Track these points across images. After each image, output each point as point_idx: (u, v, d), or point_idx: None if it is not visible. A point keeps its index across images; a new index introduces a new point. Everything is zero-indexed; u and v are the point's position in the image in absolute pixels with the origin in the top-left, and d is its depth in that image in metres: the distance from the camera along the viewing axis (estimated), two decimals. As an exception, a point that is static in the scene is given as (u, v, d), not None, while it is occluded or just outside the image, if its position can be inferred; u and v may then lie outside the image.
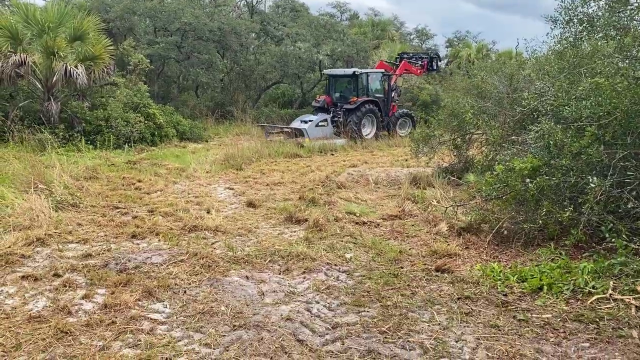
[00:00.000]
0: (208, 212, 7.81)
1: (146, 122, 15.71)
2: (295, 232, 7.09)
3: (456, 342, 4.13)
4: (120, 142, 14.72)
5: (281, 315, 4.48)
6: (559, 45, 8.02)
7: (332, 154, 15.80)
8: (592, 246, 5.78)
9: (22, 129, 13.57)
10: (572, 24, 7.85)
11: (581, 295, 4.94)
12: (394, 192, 9.69)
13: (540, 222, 5.94)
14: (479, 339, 4.16)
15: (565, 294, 4.98)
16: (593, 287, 4.97)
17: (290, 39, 22.60)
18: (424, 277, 5.51)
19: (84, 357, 3.60)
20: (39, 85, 15.24)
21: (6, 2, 22.47)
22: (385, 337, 4.15)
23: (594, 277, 5.11)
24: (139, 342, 3.90)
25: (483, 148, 10.03)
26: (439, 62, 21.14)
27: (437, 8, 79.51)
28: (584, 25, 7.57)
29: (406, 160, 13.67)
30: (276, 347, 3.92)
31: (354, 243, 6.66)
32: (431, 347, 4.01)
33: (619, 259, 5.07)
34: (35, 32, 14.76)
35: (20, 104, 14.77)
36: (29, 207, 7.09)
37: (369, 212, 8.21)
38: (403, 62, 19.63)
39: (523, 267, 5.56)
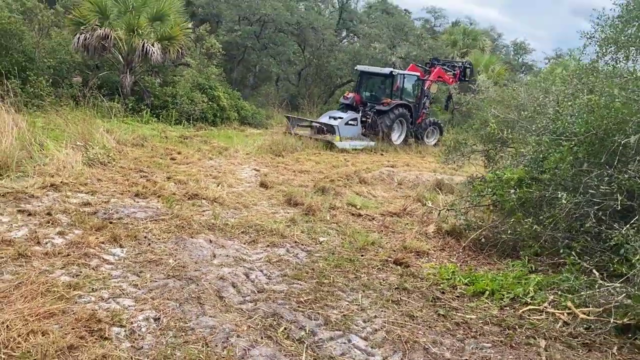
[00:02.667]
0: (218, 185, 8.36)
1: (210, 103, 16.67)
2: (288, 213, 7.45)
3: (364, 322, 4.34)
4: (182, 118, 15.75)
5: (218, 274, 4.88)
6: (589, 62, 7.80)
7: (382, 154, 16.00)
8: (562, 261, 5.69)
9: (97, 97, 14.88)
10: (606, 43, 7.63)
11: (519, 304, 4.95)
12: (412, 193, 9.78)
13: (510, 232, 5.92)
14: (386, 323, 4.34)
15: (504, 301, 5.01)
16: (532, 298, 4.97)
17: (367, 39, 22.88)
18: (378, 266, 5.69)
19: (24, 275, 4.21)
20: (121, 59, 16.61)
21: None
22: (299, 307, 4.44)
23: (538, 289, 5.10)
24: (79, 273, 4.46)
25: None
26: (471, 73, 20.28)
27: (553, 24, 76.43)
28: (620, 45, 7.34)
29: (455, 169, 13.56)
30: (193, 297, 4.33)
31: (337, 230, 6.93)
32: (335, 321, 4.26)
33: (565, 275, 5.02)
34: (122, 9, 16.12)
35: (101, 74, 16.19)
36: (62, 159, 7.99)
37: (371, 206, 8.42)
38: (437, 68, 18.96)
39: (477, 273, 5.60)
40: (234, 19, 22.30)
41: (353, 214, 7.81)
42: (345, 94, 18.45)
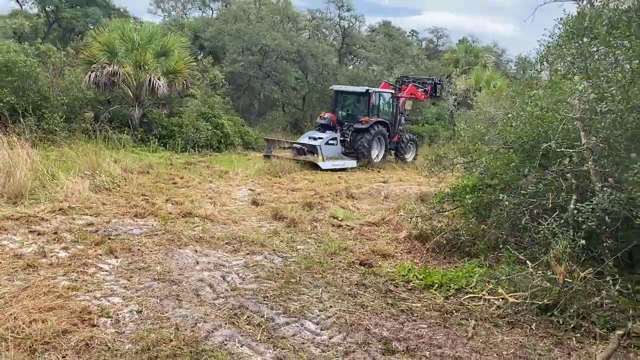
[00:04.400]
0: (212, 205, 9.16)
1: (214, 130, 17.63)
2: (273, 226, 8.21)
3: (319, 311, 5.05)
4: (188, 146, 16.71)
5: (198, 277, 5.64)
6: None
7: (378, 171, 16.78)
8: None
9: (107, 130, 15.91)
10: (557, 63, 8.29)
11: (462, 294, 5.62)
12: (395, 205, 10.47)
13: (461, 233, 6.60)
14: (338, 312, 5.05)
15: (450, 292, 5.69)
16: (473, 288, 5.64)
17: (366, 62, 23.84)
18: (344, 267, 6.41)
19: (31, 281, 5.02)
20: (130, 93, 17.70)
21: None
22: (264, 300, 5.17)
23: (480, 280, 5.76)
24: (78, 279, 5.26)
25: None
26: (442, 89, 20.69)
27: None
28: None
29: (439, 181, 14.22)
30: (172, 295, 5.09)
31: (315, 239, 7.66)
32: (293, 311, 4.98)
33: (501, 267, 5.69)
34: (129, 47, 17.26)
35: (111, 108, 17.29)
36: (71, 187, 8.88)
37: (353, 218, 9.14)
38: (410, 85, 19.36)
39: (433, 269, 6.28)
40: (237, 50, 23.44)
41: (334, 225, 8.53)
42: (321, 114, 18.65)
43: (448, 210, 7.66)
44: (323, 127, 17.77)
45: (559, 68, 6.60)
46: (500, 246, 5.98)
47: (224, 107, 20.40)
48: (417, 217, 7.99)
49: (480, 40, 44.70)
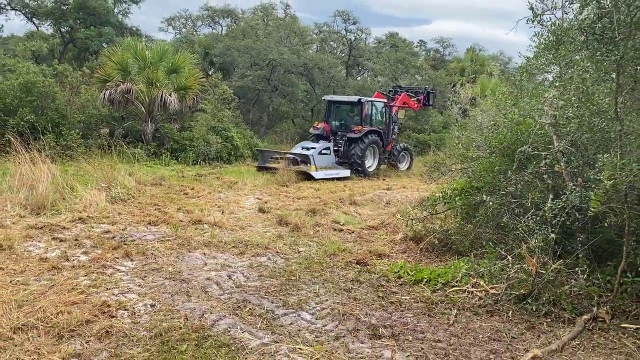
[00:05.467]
0: (222, 213, 9.72)
1: (224, 143, 18.26)
2: (277, 231, 8.74)
3: (315, 304, 5.55)
4: (199, 158, 17.35)
5: (206, 277, 6.18)
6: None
7: (384, 179, 17.28)
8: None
9: (122, 145, 16.62)
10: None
11: (449, 287, 6.10)
12: (396, 210, 10.96)
13: (452, 233, 7.08)
14: (333, 304, 5.55)
15: (437, 285, 6.17)
16: (459, 282, 6.11)
17: (372, 73, 24.43)
18: (342, 266, 6.91)
19: (56, 280, 5.60)
20: (143, 109, 18.42)
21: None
22: (265, 295, 5.69)
23: (465, 275, 6.23)
24: (97, 278, 5.82)
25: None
26: (434, 98, 20.94)
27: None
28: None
29: (438, 187, 14.68)
30: (182, 291, 5.64)
31: (316, 242, 8.17)
32: (292, 303, 5.49)
33: (484, 262, 6.15)
34: (142, 66, 18.00)
35: (125, 124, 18.01)
36: (89, 198, 9.50)
37: (354, 222, 9.64)
38: (403, 94, 19.48)
39: (423, 267, 6.77)
40: (246, 65, 24.16)
41: (335, 229, 9.04)
42: (314, 125, 18.74)
43: (440, 212, 8.13)
44: (317, 137, 17.97)
45: (539, 78, 7.10)
46: (484, 243, 6.44)
47: (233, 120, 21.05)
48: (412, 219, 8.48)
49: (487, 49, 45.14)
